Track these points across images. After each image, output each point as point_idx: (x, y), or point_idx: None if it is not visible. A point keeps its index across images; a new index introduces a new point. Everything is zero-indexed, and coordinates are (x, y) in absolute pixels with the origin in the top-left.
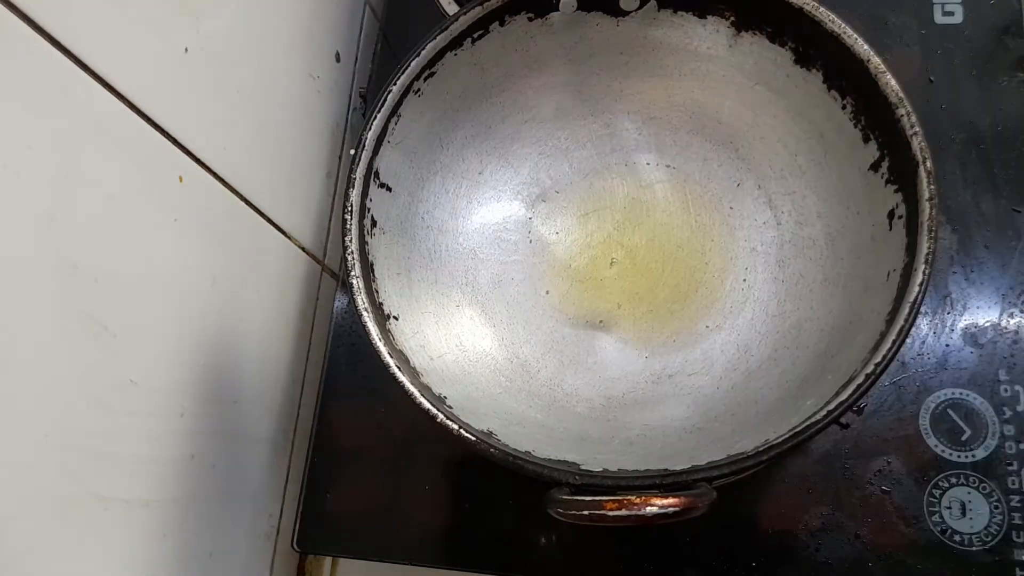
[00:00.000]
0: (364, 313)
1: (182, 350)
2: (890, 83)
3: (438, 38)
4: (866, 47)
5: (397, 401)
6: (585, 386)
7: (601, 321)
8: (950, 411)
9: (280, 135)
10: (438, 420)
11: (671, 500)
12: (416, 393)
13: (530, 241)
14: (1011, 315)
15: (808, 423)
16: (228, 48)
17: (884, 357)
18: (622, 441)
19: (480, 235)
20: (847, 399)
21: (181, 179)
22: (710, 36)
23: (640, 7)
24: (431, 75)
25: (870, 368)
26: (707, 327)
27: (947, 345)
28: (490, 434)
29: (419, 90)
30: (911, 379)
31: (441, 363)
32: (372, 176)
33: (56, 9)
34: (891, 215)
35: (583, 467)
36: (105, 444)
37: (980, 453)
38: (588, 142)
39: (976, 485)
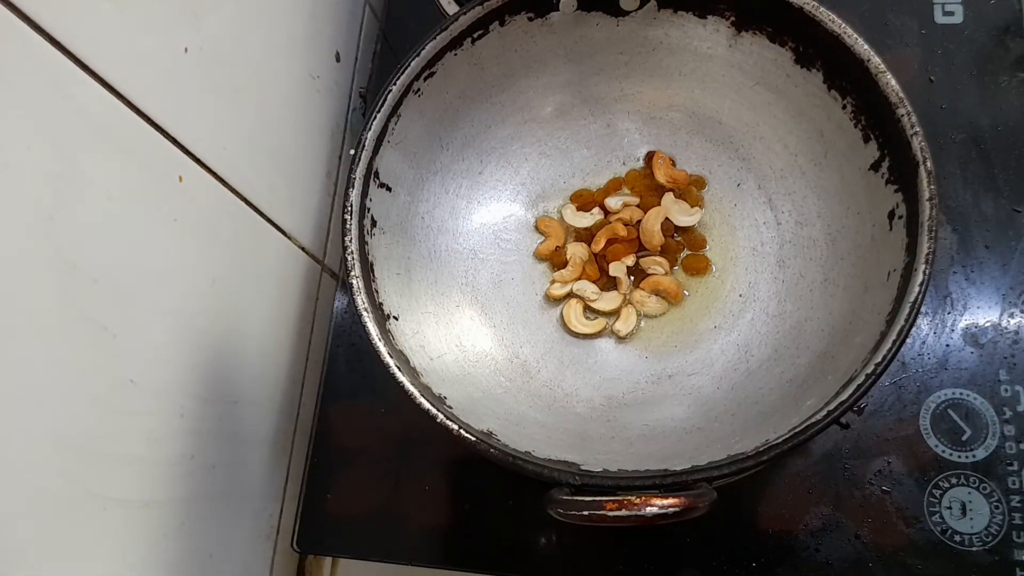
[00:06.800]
0: (364, 313)
1: (182, 350)
2: (890, 83)
3: (438, 38)
4: (866, 47)
5: (397, 401)
6: (585, 386)
7: None
8: (950, 411)
9: (280, 135)
10: (438, 420)
11: (671, 500)
12: (416, 393)
13: (530, 241)
14: (1011, 315)
15: (808, 423)
16: (228, 48)
17: (884, 357)
18: (622, 441)
19: (480, 235)
20: (847, 399)
21: (181, 179)
22: (710, 36)
23: (640, 7)
24: (431, 75)
25: (870, 368)
26: (707, 327)
27: (947, 345)
28: (490, 434)
29: (419, 90)
30: (911, 379)
31: (441, 363)
32: (372, 176)
33: (56, 9)
34: (891, 215)
35: (583, 467)
36: (105, 444)
37: (980, 453)
38: (588, 142)
39: (976, 485)
